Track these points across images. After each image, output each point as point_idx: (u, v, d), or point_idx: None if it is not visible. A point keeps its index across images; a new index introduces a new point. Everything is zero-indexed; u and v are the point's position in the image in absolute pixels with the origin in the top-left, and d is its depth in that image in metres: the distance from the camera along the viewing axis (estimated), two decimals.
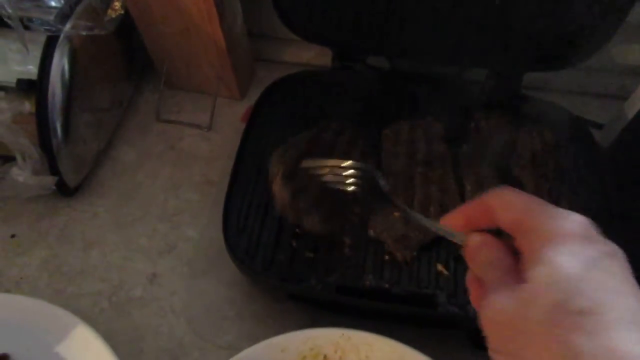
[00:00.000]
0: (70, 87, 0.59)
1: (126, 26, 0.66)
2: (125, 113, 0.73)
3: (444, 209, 0.54)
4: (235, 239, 0.53)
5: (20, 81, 0.55)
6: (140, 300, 0.57)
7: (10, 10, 0.56)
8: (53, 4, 0.58)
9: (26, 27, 0.56)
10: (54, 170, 0.59)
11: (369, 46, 0.63)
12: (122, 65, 0.71)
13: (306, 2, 0.60)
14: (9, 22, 0.54)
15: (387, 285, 0.49)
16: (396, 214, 0.51)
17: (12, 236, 0.62)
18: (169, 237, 0.62)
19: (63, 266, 0.59)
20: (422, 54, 0.61)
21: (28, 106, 0.56)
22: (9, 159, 0.60)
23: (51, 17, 0.57)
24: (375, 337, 0.47)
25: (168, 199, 0.65)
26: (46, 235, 0.62)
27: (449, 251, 0.52)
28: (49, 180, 0.57)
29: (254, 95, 0.75)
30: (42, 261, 0.60)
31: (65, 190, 0.63)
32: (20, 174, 0.54)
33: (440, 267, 0.52)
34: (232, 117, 0.73)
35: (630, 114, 0.64)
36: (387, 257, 0.51)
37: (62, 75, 0.58)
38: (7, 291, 0.57)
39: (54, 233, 0.62)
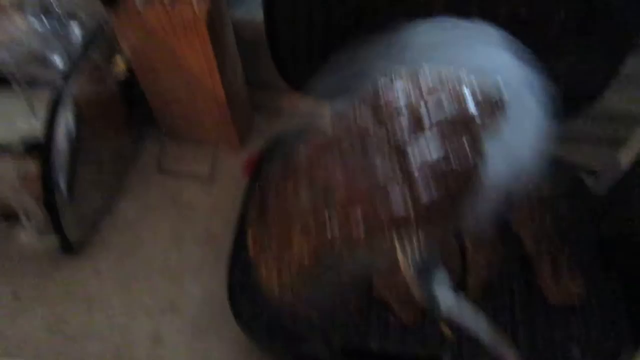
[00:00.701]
0: (75, 144, 0.59)
1: (128, 80, 0.67)
2: (127, 165, 0.73)
3: (445, 267, 0.55)
4: (239, 298, 0.53)
5: (25, 142, 0.55)
6: None
7: (15, 71, 0.57)
8: (57, 63, 0.59)
9: (30, 86, 0.56)
10: (57, 228, 0.59)
11: None
12: (124, 117, 0.71)
13: (304, 56, 0.61)
14: (15, 82, 0.55)
15: (392, 348, 0.49)
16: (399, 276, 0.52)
17: (14, 295, 0.61)
18: (171, 295, 0.62)
19: (65, 327, 0.59)
20: None
21: (33, 167, 0.56)
22: (11, 217, 0.60)
23: (55, 77, 0.57)
24: None
25: (170, 255, 0.65)
26: (48, 295, 0.61)
27: None
28: (53, 240, 0.57)
29: (253, 144, 0.76)
30: (43, 321, 0.59)
31: (67, 248, 0.63)
32: (24, 235, 0.54)
33: (445, 327, 0.52)
34: (233, 166, 0.74)
35: (625, 161, 0.65)
36: (391, 318, 0.51)
37: (68, 132, 0.58)
38: (9, 355, 0.57)
39: (55, 292, 0.62)
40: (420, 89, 0.37)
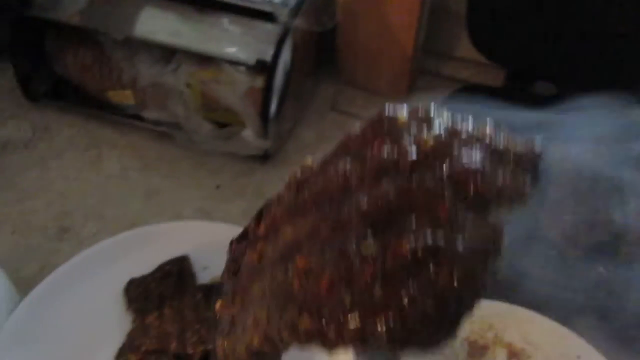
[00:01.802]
0: (289, 72, 0.72)
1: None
2: (307, 100, 0.85)
3: None
4: None
5: (259, 61, 0.68)
6: None
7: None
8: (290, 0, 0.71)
9: (270, 20, 0.69)
10: (266, 135, 0.71)
11: (544, 70, 0.72)
12: (314, 59, 0.83)
13: (496, 25, 0.70)
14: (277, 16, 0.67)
15: None
16: None
17: (217, 187, 0.75)
18: None
19: None
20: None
21: (260, 82, 0.68)
22: (225, 126, 0.73)
23: (286, 13, 0.69)
24: (539, 316, 0.57)
25: None
26: (244, 191, 0.74)
27: None
28: (266, 144, 0.70)
29: (415, 100, 0.86)
30: (242, 210, 0.72)
31: (264, 156, 0.75)
32: (249, 136, 0.67)
33: None
34: None
35: None
36: None
37: (285, 61, 0.71)
38: None
39: (250, 189, 0.75)
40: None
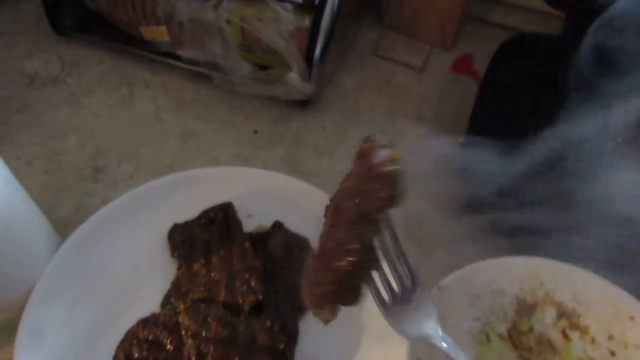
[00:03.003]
0: (335, 13, 0.67)
1: None
2: (349, 45, 0.81)
3: None
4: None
5: (306, 0, 0.64)
6: None
7: None
8: None
9: None
10: (310, 78, 0.68)
11: None
12: (358, 3, 0.79)
13: None
14: None
15: None
16: None
17: (255, 132, 0.72)
18: None
19: (299, 165, 0.69)
20: None
21: (307, 21, 0.64)
22: (264, 68, 0.70)
23: None
24: (593, 276, 0.55)
25: (386, 127, 0.73)
26: (283, 137, 0.72)
27: None
28: (309, 88, 0.66)
29: (461, 46, 0.82)
30: (280, 157, 0.70)
31: (304, 101, 0.72)
32: (294, 79, 0.64)
33: None
34: (441, 64, 0.80)
35: None
36: None
37: (332, 1, 0.66)
38: None
39: (289, 136, 0.72)
40: None
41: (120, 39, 0.76)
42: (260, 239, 0.54)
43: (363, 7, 0.83)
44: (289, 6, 0.64)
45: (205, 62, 0.71)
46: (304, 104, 0.73)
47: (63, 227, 0.58)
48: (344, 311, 0.37)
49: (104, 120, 0.72)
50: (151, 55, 0.75)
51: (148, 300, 0.51)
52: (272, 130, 0.72)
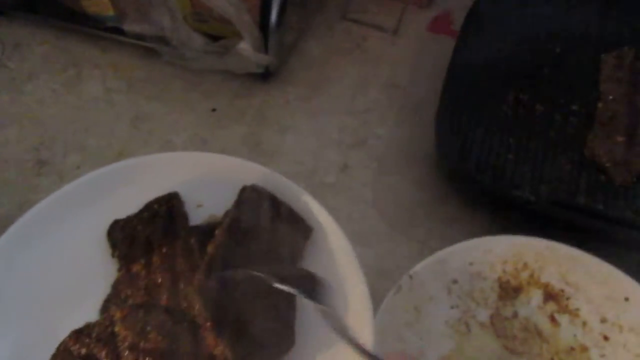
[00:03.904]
0: None
1: None
2: (314, 9, 0.74)
3: None
4: (447, 140, 0.55)
5: None
6: (333, 187, 0.61)
7: None
8: None
9: None
10: (266, 48, 0.61)
11: None
12: None
13: None
14: None
15: (601, 207, 0.50)
16: (619, 138, 0.52)
17: (213, 110, 0.66)
18: (358, 133, 0.64)
19: (261, 144, 0.63)
20: None
21: None
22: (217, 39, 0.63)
23: None
24: (582, 253, 0.49)
25: (356, 96, 0.67)
26: (244, 114, 0.66)
27: None
28: (265, 59, 0.60)
29: (438, 5, 0.75)
30: (241, 136, 0.64)
31: (264, 73, 0.66)
32: (247, 50, 0.57)
33: None
34: (417, 24, 0.73)
35: None
36: (602, 178, 0.52)
37: None
38: None
39: (250, 113, 0.66)
40: None
41: (63, 15, 0.69)
42: (210, 232, 0.49)
43: None
44: None
45: (153, 36, 0.64)
46: (265, 76, 0.67)
47: (6, 226, 0.53)
48: None
49: (49, 106, 0.66)
50: (97, 32, 0.69)
51: (88, 307, 0.46)
52: (232, 108, 0.66)
